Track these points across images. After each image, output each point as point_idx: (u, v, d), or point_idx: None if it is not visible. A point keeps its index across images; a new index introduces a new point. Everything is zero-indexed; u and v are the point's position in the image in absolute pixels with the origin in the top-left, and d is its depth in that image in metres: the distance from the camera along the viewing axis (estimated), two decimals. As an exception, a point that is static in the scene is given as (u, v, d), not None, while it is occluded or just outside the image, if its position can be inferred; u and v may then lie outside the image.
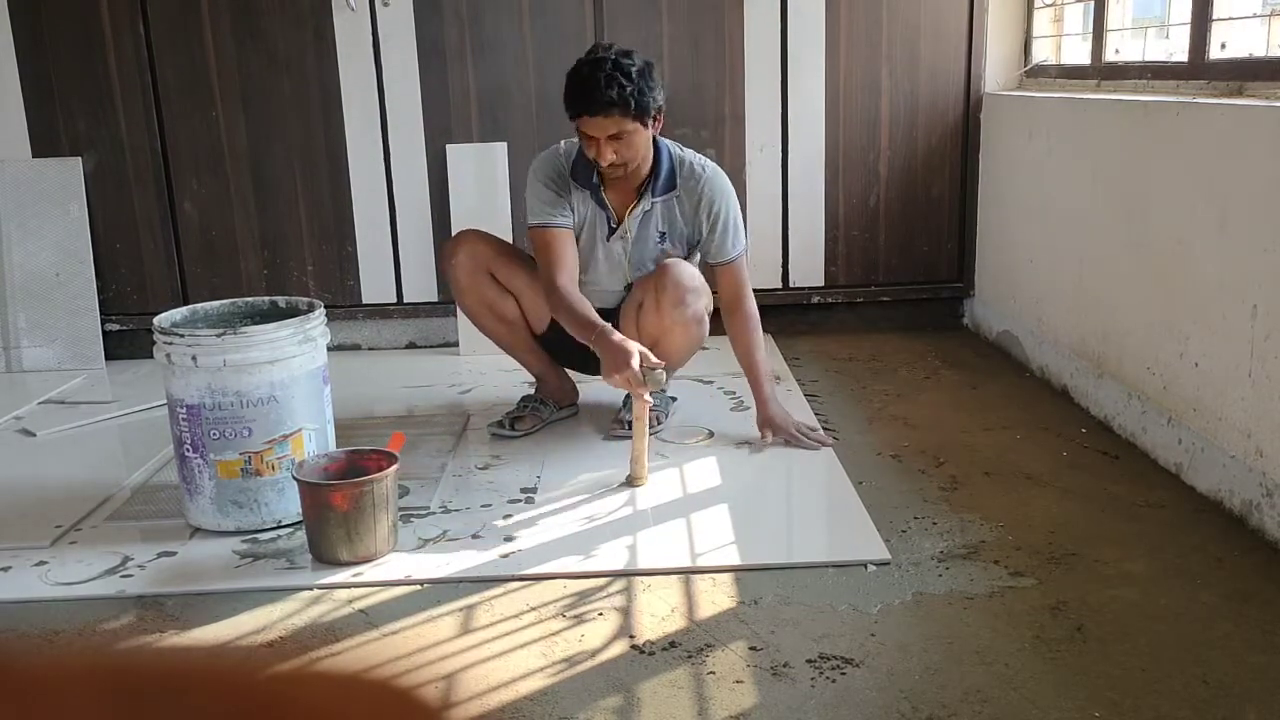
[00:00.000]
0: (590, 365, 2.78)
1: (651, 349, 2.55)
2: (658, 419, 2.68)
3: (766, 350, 2.65)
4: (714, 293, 2.62)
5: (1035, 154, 3.11)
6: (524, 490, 2.36)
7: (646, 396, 2.33)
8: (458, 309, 3.35)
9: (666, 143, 2.54)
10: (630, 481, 2.37)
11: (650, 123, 2.39)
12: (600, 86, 2.29)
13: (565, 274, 2.48)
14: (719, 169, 2.58)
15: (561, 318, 2.46)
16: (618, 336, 2.30)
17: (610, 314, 2.66)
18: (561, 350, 2.72)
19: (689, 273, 2.50)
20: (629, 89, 2.30)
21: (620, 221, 2.54)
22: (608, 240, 2.56)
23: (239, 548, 2.12)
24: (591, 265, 2.61)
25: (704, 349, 2.80)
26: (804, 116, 3.50)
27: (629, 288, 2.63)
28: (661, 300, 2.48)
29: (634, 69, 2.32)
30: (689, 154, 2.56)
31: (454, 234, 2.71)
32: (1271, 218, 1.99)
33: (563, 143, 2.56)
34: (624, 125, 2.33)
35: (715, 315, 2.71)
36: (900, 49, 3.45)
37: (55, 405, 3.12)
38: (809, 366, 3.27)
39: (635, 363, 2.24)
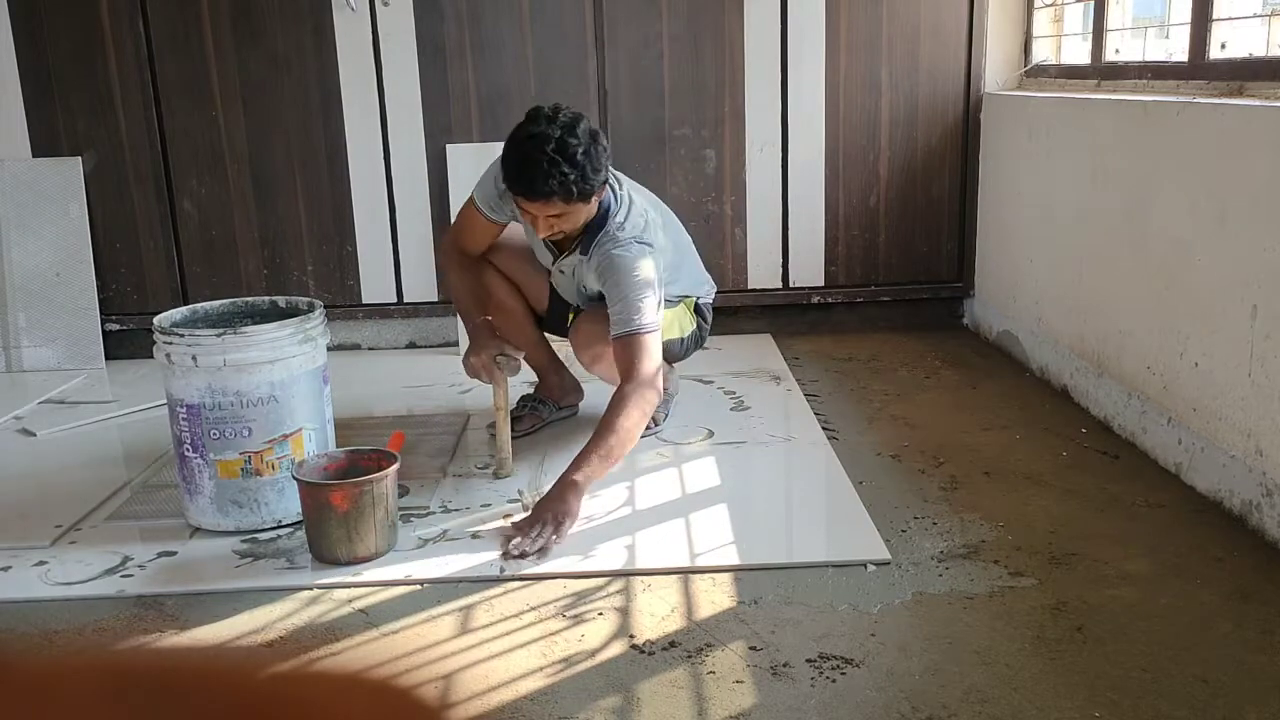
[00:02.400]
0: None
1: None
2: (656, 419, 2.68)
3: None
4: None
5: (1035, 154, 3.11)
6: (523, 490, 2.36)
7: (500, 378, 2.39)
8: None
9: (612, 202, 2.35)
10: (495, 473, 2.43)
11: (593, 199, 2.24)
12: (540, 176, 2.12)
13: (471, 252, 2.53)
14: (632, 248, 2.30)
15: (452, 276, 2.54)
16: (485, 333, 2.43)
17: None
18: (554, 331, 2.73)
19: (594, 333, 2.40)
20: (571, 177, 2.13)
21: (558, 255, 2.46)
22: (552, 266, 2.50)
23: (239, 547, 2.12)
24: (553, 270, 2.56)
25: (704, 349, 2.81)
26: (804, 116, 3.49)
27: (577, 309, 2.59)
28: (580, 356, 2.52)
29: (578, 151, 2.13)
30: (618, 217, 2.34)
31: (452, 226, 2.69)
32: (1271, 217, 1.99)
33: None
34: (561, 209, 2.20)
35: (716, 313, 2.71)
36: (900, 49, 3.45)
37: (55, 405, 3.12)
38: (809, 366, 3.27)
39: (487, 351, 2.37)
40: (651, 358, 2.26)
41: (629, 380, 2.23)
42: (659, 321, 2.31)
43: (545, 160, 2.12)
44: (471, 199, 2.47)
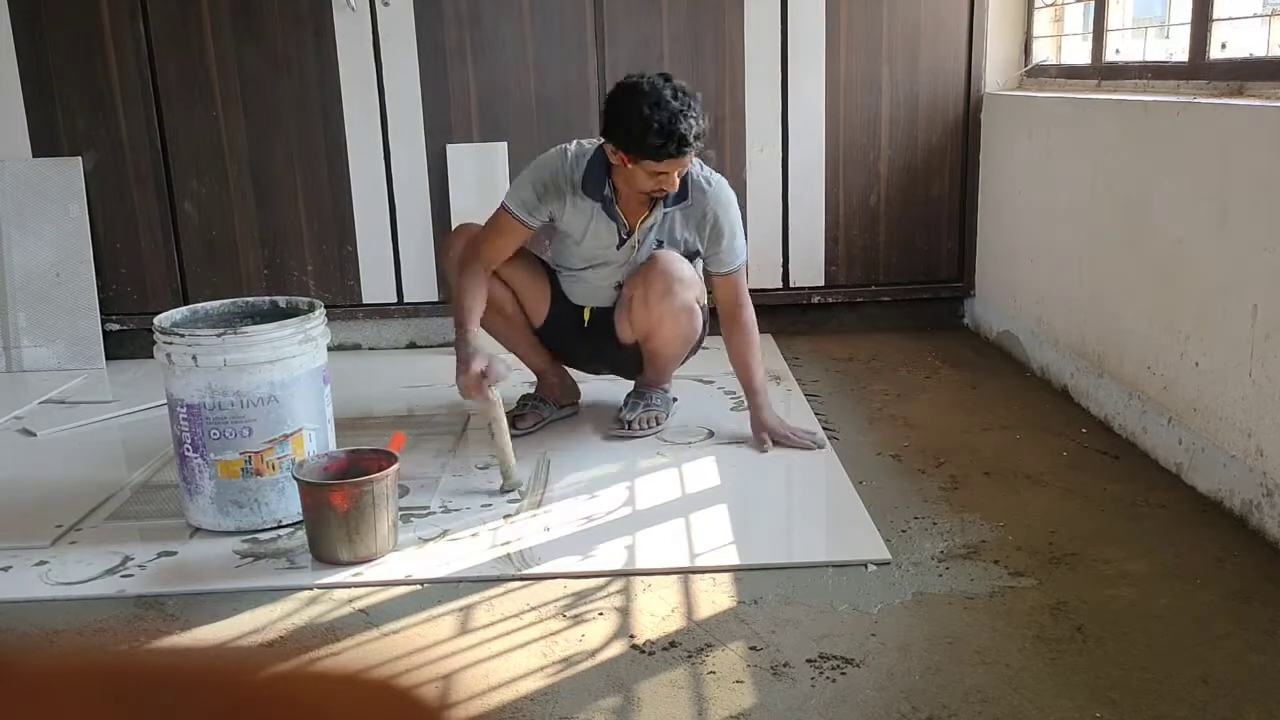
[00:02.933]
0: (581, 360, 2.79)
1: (644, 342, 2.58)
2: (657, 419, 2.68)
3: (763, 355, 2.65)
4: (711, 300, 2.64)
5: (1035, 154, 3.11)
6: (523, 490, 2.36)
7: (491, 395, 2.35)
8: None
9: None
10: (505, 487, 2.33)
11: None
12: (689, 131, 2.28)
13: (491, 259, 2.54)
14: (723, 181, 2.55)
15: (452, 281, 2.59)
16: (470, 348, 2.38)
17: (605, 312, 2.65)
18: (554, 342, 2.74)
19: (677, 263, 2.50)
20: (703, 121, 2.32)
21: (632, 232, 2.52)
22: (618, 249, 2.54)
23: (239, 547, 2.12)
24: (593, 270, 2.60)
25: (704, 349, 2.81)
26: (804, 116, 3.50)
27: (619, 286, 2.62)
28: (650, 293, 2.48)
29: (691, 99, 2.31)
30: (697, 164, 2.52)
31: (453, 228, 2.70)
32: (1271, 217, 1.99)
33: (571, 146, 2.51)
34: (690, 157, 2.36)
35: (713, 314, 2.71)
36: (900, 49, 3.45)
37: (55, 405, 3.12)
38: (809, 366, 3.27)
39: (474, 368, 2.33)
40: (746, 291, 2.62)
41: (744, 308, 2.58)
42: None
43: (689, 118, 2.28)
44: (504, 207, 2.51)
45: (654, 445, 2.61)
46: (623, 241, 2.53)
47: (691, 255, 2.58)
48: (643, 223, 2.51)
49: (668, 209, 2.50)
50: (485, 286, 2.54)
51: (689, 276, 2.52)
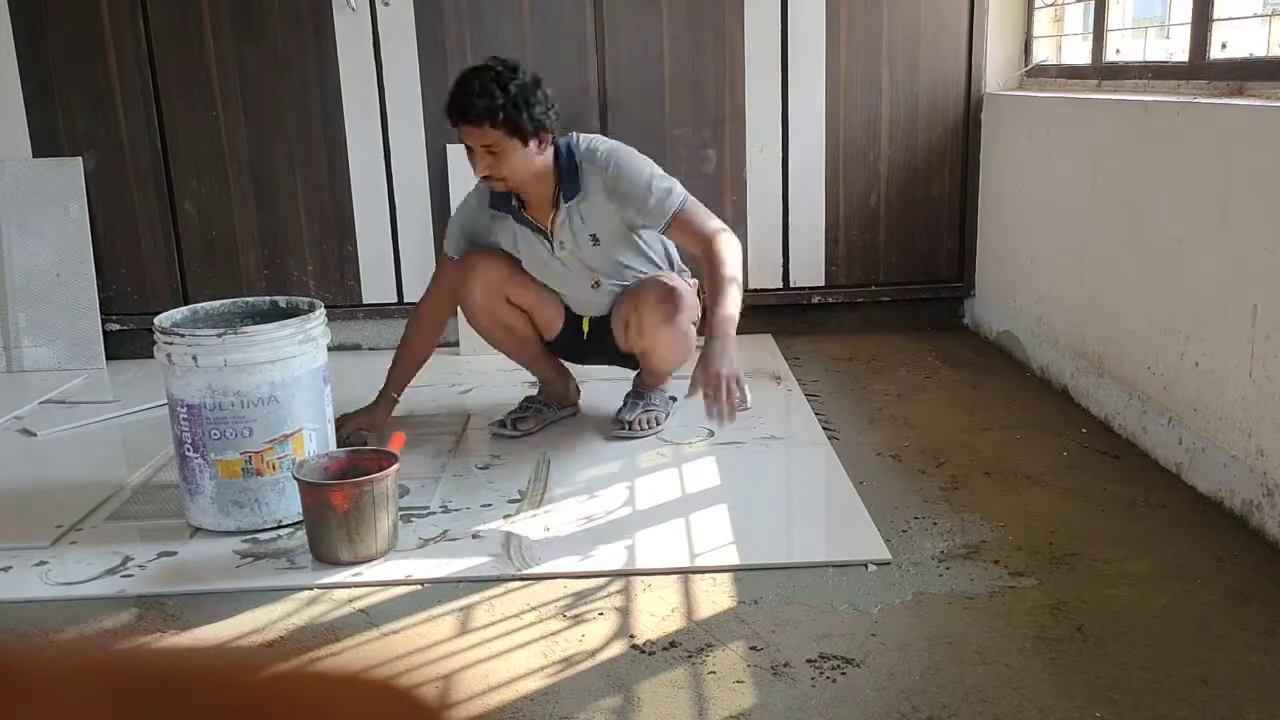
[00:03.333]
0: (588, 356, 2.80)
1: (641, 357, 2.64)
2: (657, 419, 2.68)
3: (738, 292, 2.43)
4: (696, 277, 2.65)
5: (1035, 154, 3.11)
6: (523, 490, 2.36)
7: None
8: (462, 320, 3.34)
9: (568, 141, 2.44)
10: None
11: (531, 142, 2.32)
12: (473, 95, 2.27)
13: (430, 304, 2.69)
14: (613, 146, 2.45)
15: (410, 325, 2.72)
16: (372, 407, 2.64)
17: (603, 320, 2.65)
18: (561, 348, 2.76)
19: (668, 287, 2.50)
20: (500, 101, 2.26)
21: (552, 235, 2.50)
22: (553, 254, 2.52)
23: (239, 547, 2.12)
24: (556, 279, 2.60)
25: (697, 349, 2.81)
26: (804, 116, 3.49)
27: (596, 285, 2.59)
28: (643, 321, 2.50)
29: (512, 82, 2.28)
30: (584, 144, 2.45)
31: (464, 261, 2.59)
32: (1271, 217, 1.99)
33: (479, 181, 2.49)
34: (496, 138, 2.29)
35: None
36: (900, 49, 3.45)
37: (56, 405, 3.12)
38: (809, 366, 3.27)
39: (366, 421, 2.61)
40: (707, 215, 2.43)
41: (711, 239, 2.38)
42: (683, 189, 2.45)
43: (479, 83, 2.28)
44: (440, 262, 2.69)
45: (654, 445, 2.61)
46: (551, 247, 2.51)
47: (638, 226, 2.50)
48: (554, 222, 2.47)
49: (568, 204, 2.44)
50: (419, 337, 2.68)
51: (680, 297, 2.50)
